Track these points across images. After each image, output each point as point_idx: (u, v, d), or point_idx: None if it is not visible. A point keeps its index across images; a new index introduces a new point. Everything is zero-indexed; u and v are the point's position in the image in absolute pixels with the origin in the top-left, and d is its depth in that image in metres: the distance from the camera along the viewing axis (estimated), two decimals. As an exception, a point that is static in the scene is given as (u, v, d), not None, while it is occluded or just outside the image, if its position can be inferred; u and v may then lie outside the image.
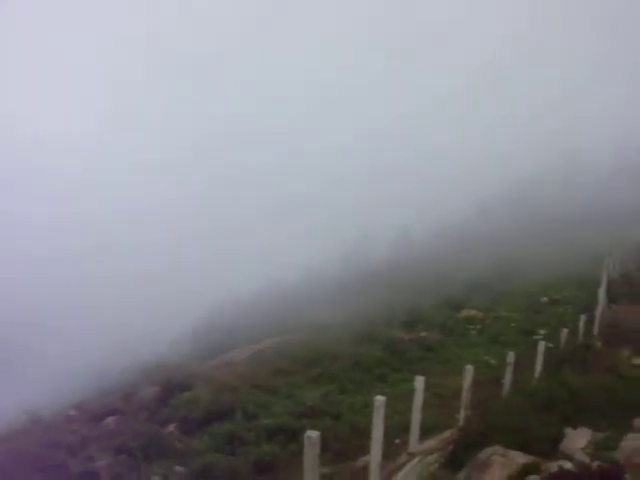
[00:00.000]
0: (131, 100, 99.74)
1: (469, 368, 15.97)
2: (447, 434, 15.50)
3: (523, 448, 11.11)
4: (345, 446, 17.39)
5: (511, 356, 18.08)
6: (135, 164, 79.14)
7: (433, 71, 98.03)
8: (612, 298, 28.38)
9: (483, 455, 11.08)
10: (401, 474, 12.68)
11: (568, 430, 11.69)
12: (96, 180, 76.04)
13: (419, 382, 13.55)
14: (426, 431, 14.94)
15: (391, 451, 14.06)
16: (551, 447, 11.22)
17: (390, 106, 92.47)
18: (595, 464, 8.68)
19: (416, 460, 13.36)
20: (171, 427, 22.60)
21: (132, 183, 76.12)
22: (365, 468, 12.56)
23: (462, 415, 15.78)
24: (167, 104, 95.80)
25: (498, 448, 11.12)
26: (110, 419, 24.16)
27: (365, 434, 12.85)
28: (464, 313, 35.58)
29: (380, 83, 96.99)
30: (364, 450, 13.81)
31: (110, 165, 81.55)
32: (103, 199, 72.80)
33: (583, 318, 24.03)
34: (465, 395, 15.77)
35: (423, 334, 32.08)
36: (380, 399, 11.36)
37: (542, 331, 28.42)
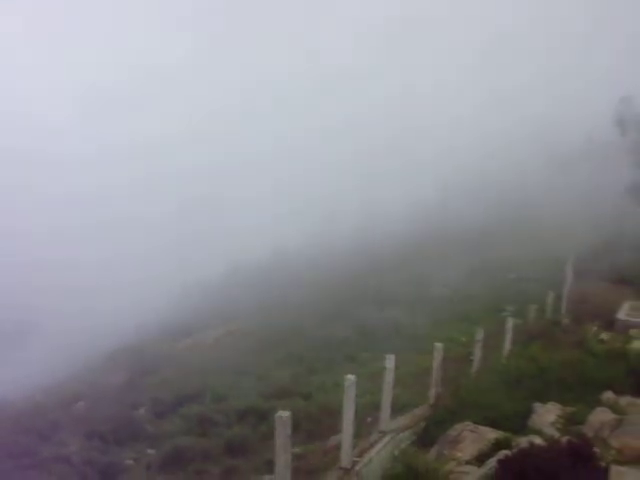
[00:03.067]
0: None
1: (439, 346, 16.06)
2: (418, 411, 15.61)
3: (493, 424, 11.22)
4: (316, 426, 17.46)
5: (480, 333, 18.20)
6: (102, 145, 78.14)
7: (403, 53, 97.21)
8: (580, 274, 28.57)
9: (454, 431, 11.17)
10: (373, 452, 12.74)
11: (537, 405, 11.81)
12: (71, 158, 75.08)
13: (389, 361, 13.58)
14: (397, 409, 15.02)
15: (363, 430, 14.14)
16: (521, 422, 11.34)
17: (365, 92, 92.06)
18: (565, 439, 8.79)
19: (388, 438, 13.43)
20: (142, 410, 22.58)
21: (99, 165, 75.38)
22: (337, 447, 12.61)
23: (433, 392, 15.89)
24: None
25: (469, 424, 11.21)
26: (80, 403, 24.07)
27: (336, 414, 12.89)
28: (433, 290, 35.76)
29: (351, 70, 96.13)
30: (336, 429, 13.86)
31: (83, 140, 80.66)
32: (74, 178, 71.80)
33: (551, 295, 24.22)
34: (435, 373, 15.87)
35: (393, 312, 32.19)
36: (350, 378, 11.39)
37: (510, 308, 28.61)
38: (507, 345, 19.45)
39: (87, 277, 53.25)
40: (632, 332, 19.78)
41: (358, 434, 12.82)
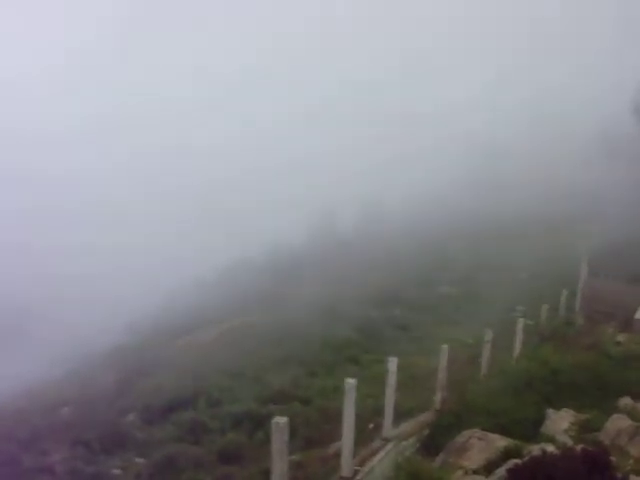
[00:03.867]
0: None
1: (444, 347, 15.98)
2: (423, 417, 15.53)
3: (503, 431, 11.14)
4: (315, 432, 17.37)
5: (489, 334, 18.11)
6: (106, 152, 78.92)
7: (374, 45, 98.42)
8: (595, 273, 28.44)
9: (461, 438, 11.10)
10: (375, 460, 12.67)
11: (550, 411, 11.74)
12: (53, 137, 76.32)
13: (392, 363, 13.50)
14: (401, 414, 14.94)
15: (364, 436, 14.05)
16: (532, 429, 11.27)
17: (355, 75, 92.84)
18: (579, 447, 8.71)
19: (391, 445, 13.36)
20: (131, 416, 22.47)
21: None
22: (337, 455, 12.54)
23: (438, 397, 15.81)
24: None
25: (476, 431, 11.14)
26: (65, 409, 23.97)
27: (336, 419, 12.81)
28: (439, 289, 35.69)
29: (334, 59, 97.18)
30: (335, 436, 13.79)
31: (66, 119, 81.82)
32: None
33: (565, 293, 24.14)
34: (441, 376, 15.80)
35: (396, 312, 32.14)
36: (351, 382, 11.32)
37: (521, 307, 28.55)
38: (517, 347, 19.39)
39: (86, 275, 53.43)
40: (651, 333, 19.72)
41: (359, 441, 12.73)
